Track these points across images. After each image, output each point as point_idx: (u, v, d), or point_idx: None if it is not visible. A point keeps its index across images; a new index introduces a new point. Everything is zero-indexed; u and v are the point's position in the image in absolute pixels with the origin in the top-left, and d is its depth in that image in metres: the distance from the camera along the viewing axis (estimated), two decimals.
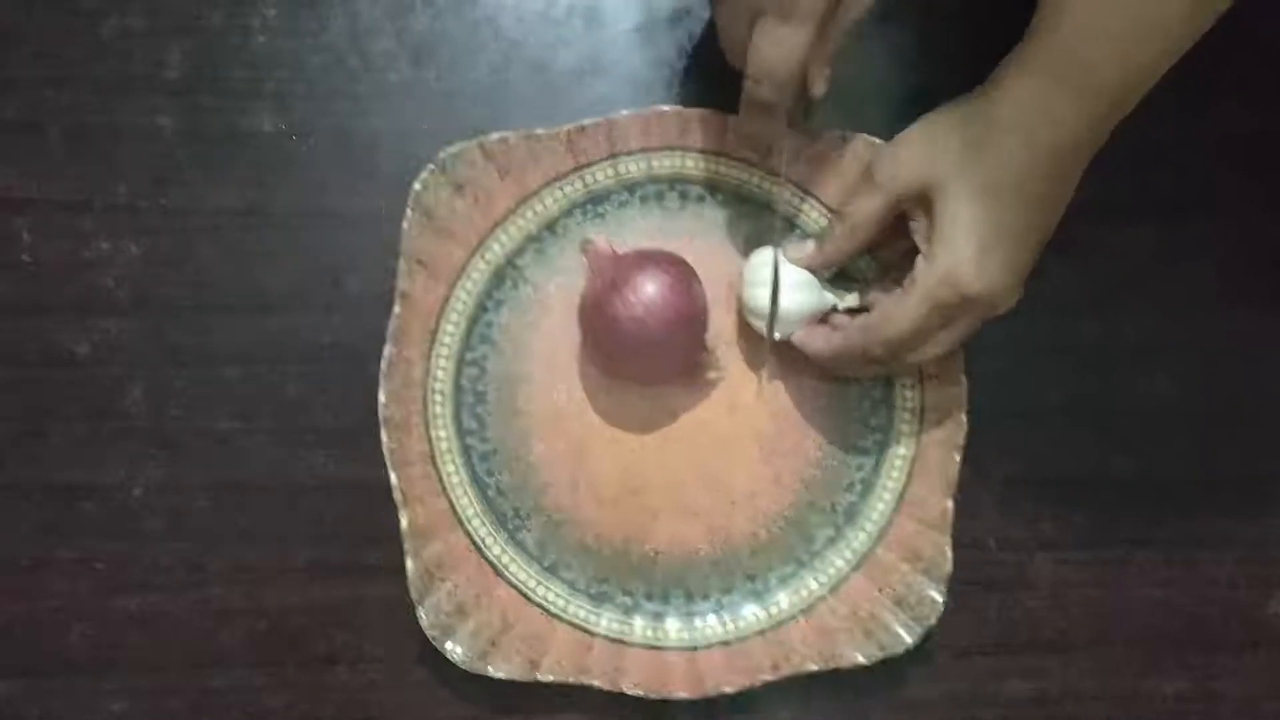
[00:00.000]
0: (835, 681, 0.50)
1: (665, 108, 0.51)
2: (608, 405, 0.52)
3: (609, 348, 0.49)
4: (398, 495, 0.49)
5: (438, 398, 0.51)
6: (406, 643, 0.51)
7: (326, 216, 0.52)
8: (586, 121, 0.50)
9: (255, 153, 0.52)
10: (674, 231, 0.52)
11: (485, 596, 0.50)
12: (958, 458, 0.50)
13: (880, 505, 0.51)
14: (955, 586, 0.50)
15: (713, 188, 0.52)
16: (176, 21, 0.52)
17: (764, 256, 0.49)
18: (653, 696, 0.49)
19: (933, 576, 0.50)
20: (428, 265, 0.50)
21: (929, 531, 0.50)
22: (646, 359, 0.48)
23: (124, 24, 0.52)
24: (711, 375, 0.52)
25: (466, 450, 0.51)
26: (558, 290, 0.52)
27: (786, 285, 0.49)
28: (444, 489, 0.51)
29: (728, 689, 0.49)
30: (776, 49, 0.42)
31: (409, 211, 0.50)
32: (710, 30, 0.52)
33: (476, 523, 0.51)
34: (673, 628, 0.51)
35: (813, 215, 0.51)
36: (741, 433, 0.52)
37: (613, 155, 0.51)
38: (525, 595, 0.51)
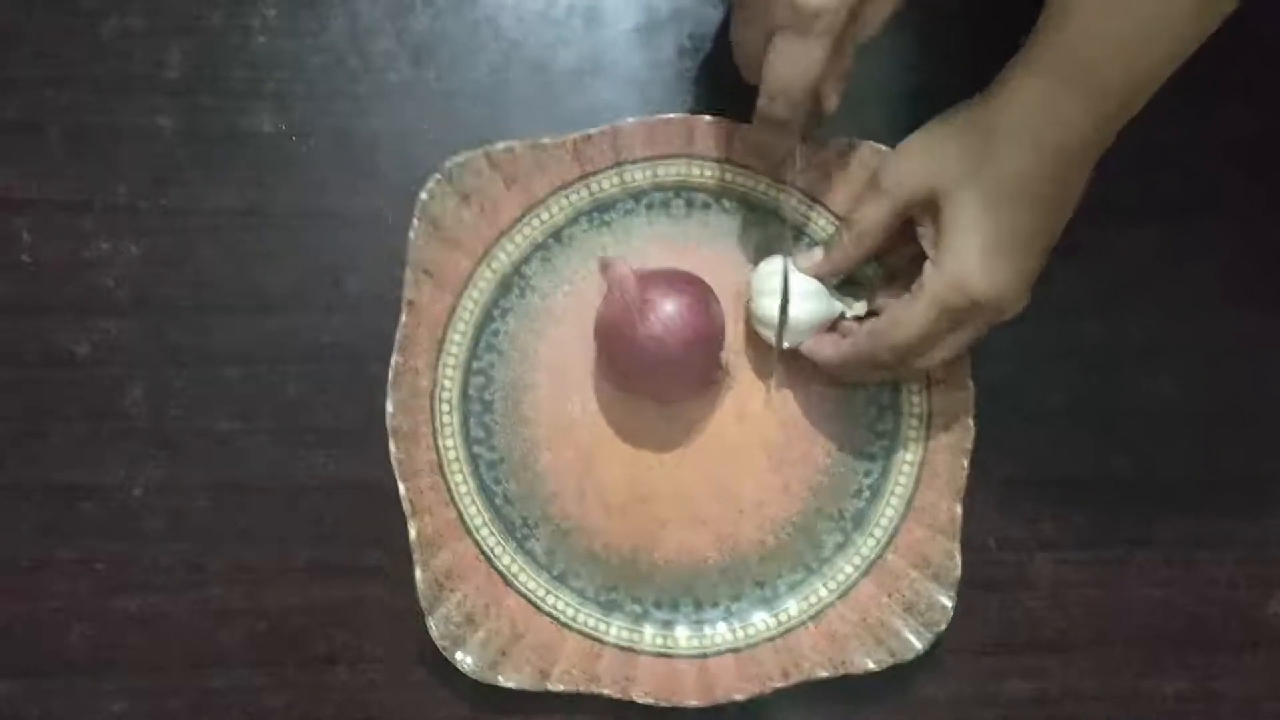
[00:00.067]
0: (836, 682, 0.50)
1: (671, 115, 0.50)
2: (616, 414, 0.52)
3: (626, 366, 0.48)
4: (406, 505, 0.49)
5: (445, 407, 0.51)
6: (406, 643, 0.51)
7: (326, 216, 0.52)
8: (592, 130, 0.50)
9: (255, 153, 0.52)
10: (680, 239, 0.52)
11: (495, 606, 0.50)
12: (965, 463, 0.50)
13: (889, 511, 0.51)
14: (956, 587, 0.50)
15: (719, 195, 0.52)
16: (176, 21, 0.52)
17: (773, 266, 0.49)
18: (663, 705, 0.49)
19: (942, 582, 0.50)
20: (434, 275, 0.50)
21: (938, 537, 0.50)
22: (664, 378, 0.48)
23: (124, 24, 0.51)
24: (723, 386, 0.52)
25: (474, 459, 0.51)
26: (565, 299, 0.51)
27: (796, 294, 0.49)
28: (452, 499, 0.51)
29: (738, 697, 0.49)
30: (793, 67, 0.42)
31: (415, 221, 0.50)
32: (709, 30, 0.52)
33: (485, 532, 0.51)
34: (682, 635, 0.51)
35: (820, 223, 0.51)
36: (750, 441, 0.52)
37: (619, 163, 0.51)
38: (535, 604, 0.51)
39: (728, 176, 0.51)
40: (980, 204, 0.43)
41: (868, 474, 0.52)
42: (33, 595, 0.51)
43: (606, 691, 0.49)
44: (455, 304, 0.51)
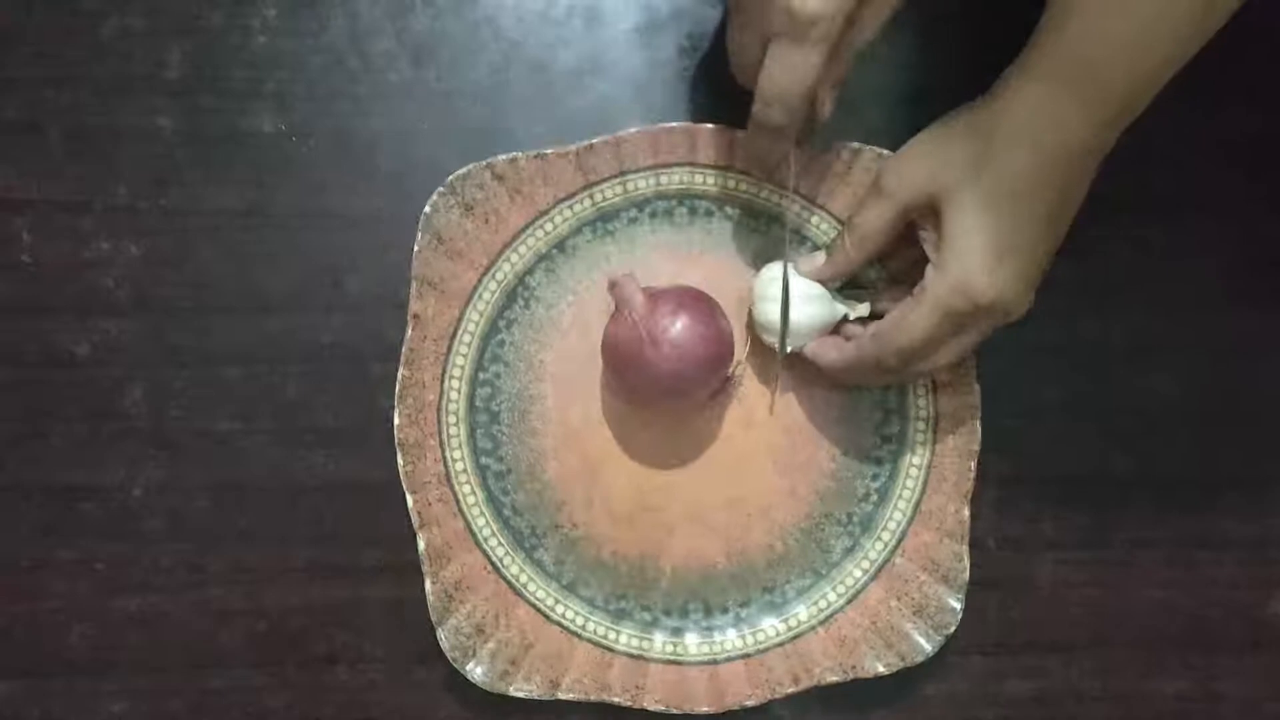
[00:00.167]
0: (840, 683, 0.50)
1: (673, 124, 0.50)
2: (622, 423, 0.52)
3: (635, 383, 0.48)
4: (414, 518, 0.50)
5: (452, 419, 0.51)
6: (406, 643, 0.51)
7: (326, 217, 0.52)
8: (595, 140, 0.50)
9: (255, 153, 0.52)
10: (684, 247, 0.52)
11: (504, 616, 0.50)
12: (972, 465, 0.50)
13: (896, 515, 0.51)
14: (965, 589, 0.50)
15: (722, 202, 0.51)
16: (176, 21, 0.52)
17: (774, 271, 0.49)
18: (675, 712, 0.49)
19: (951, 584, 0.50)
20: (439, 287, 0.50)
21: (946, 540, 0.50)
22: (673, 395, 0.48)
23: (124, 24, 0.51)
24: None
25: (482, 470, 0.51)
26: (569, 309, 0.51)
27: (797, 298, 0.48)
28: (461, 510, 0.51)
29: (750, 703, 0.49)
30: (789, 73, 0.42)
31: (419, 234, 0.50)
32: (709, 31, 0.52)
33: (494, 542, 0.51)
34: (692, 642, 0.51)
35: (822, 227, 0.51)
36: (755, 447, 0.52)
37: (622, 173, 0.51)
38: (544, 614, 0.51)
39: (730, 183, 0.51)
40: (982, 207, 0.43)
41: (875, 478, 0.52)
42: (33, 595, 0.51)
43: (618, 700, 0.49)
44: (460, 316, 0.51)
